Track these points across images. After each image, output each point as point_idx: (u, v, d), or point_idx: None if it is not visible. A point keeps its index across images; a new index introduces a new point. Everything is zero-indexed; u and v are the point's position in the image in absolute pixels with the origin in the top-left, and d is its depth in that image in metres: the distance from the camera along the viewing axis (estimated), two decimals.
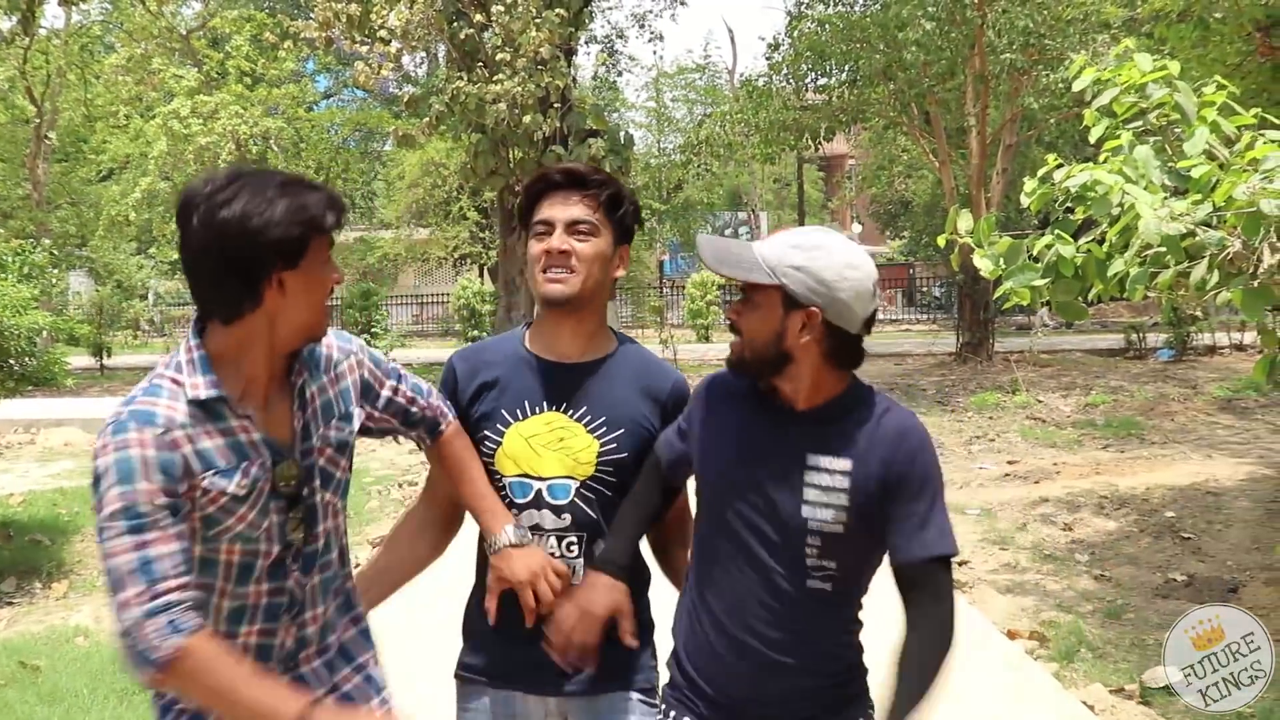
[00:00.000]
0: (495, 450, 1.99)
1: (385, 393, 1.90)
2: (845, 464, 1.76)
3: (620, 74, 34.62)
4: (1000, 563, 6.12)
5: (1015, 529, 6.81)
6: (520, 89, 12.68)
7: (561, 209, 1.97)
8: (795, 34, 16.91)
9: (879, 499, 1.74)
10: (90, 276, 25.75)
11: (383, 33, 13.41)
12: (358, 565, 2.13)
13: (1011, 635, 4.87)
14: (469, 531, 2.10)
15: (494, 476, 1.99)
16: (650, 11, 43.01)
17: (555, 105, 13.21)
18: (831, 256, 1.74)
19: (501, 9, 12.71)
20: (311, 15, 14.49)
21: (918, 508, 1.74)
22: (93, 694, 4.19)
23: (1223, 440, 9.78)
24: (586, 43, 26.42)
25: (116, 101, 21.66)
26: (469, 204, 26.52)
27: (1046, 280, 3.41)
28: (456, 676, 2.07)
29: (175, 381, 1.62)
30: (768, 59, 17.49)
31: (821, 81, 17.84)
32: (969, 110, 16.31)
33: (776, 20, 63.68)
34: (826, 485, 1.75)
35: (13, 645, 4.85)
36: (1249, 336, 16.25)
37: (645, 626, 2.04)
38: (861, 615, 1.89)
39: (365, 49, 14.13)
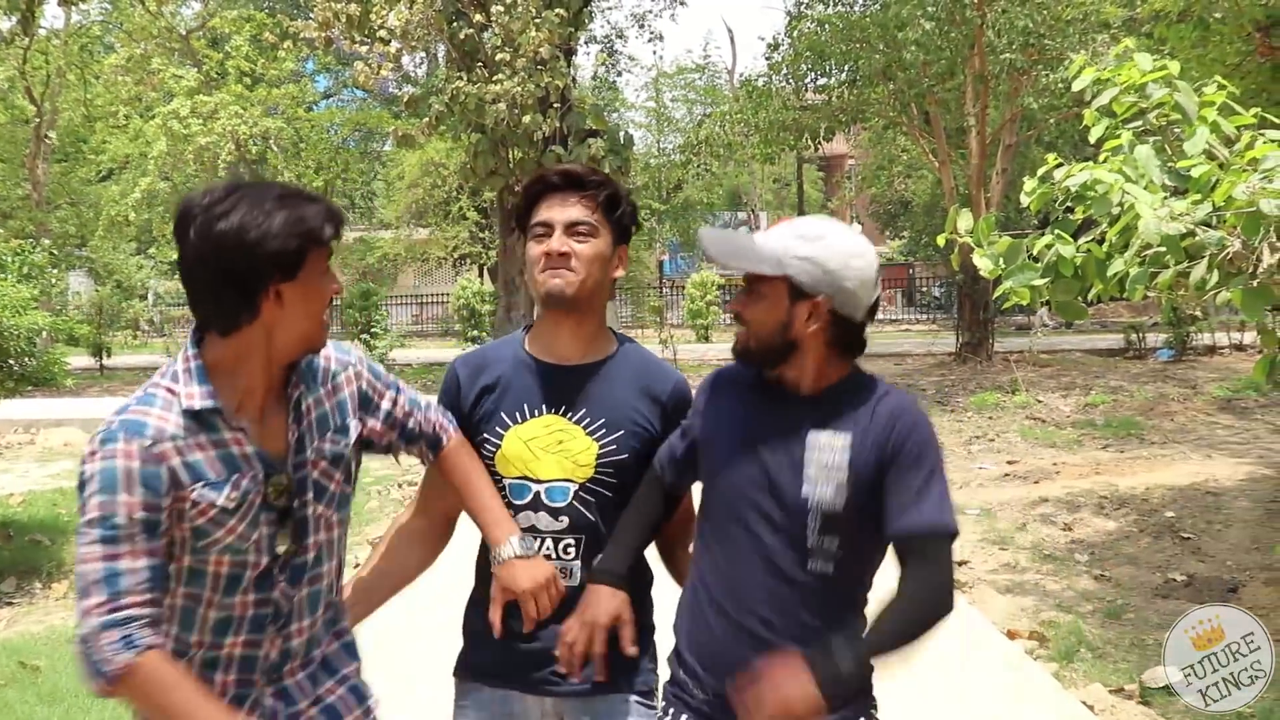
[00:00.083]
0: (495, 453, 1.99)
1: (385, 405, 1.89)
2: (845, 439, 1.77)
3: (620, 74, 34.71)
4: (1000, 563, 6.12)
5: (1015, 529, 6.81)
6: (520, 89, 12.68)
7: (560, 211, 1.97)
8: (795, 34, 16.91)
9: (877, 473, 1.75)
10: (90, 276, 25.72)
11: (382, 33, 13.42)
12: (357, 565, 2.13)
13: (1011, 635, 4.87)
14: (465, 535, 2.09)
15: (494, 478, 1.99)
16: (650, 11, 43.10)
17: (555, 105, 13.21)
18: (836, 246, 1.77)
19: (501, 9, 12.71)
20: (311, 15, 14.49)
21: (914, 480, 1.74)
22: (92, 694, 4.19)
23: (1222, 440, 9.78)
24: (586, 43, 26.45)
25: (116, 101, 21.65)
26: (469, 204, 26.52)
27: (1046, 280, 3.41)
28: (455, 675, 2.07)
29: (170, 391, 1.62)
30: (767, 59, 17.50)
31: (821, 81, 17.85)
32: (969, 110, 16.31)
33: (776, 20, 63.72)
34: (827, 462, 1.77)
35: (13, 645, 4.85)
36: (1249, 336, 16.25)
37: (645, 630, 2.04)
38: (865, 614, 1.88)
39: (365, 49, 14.13)
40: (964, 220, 3.45)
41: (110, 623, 1.52)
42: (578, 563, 1.97)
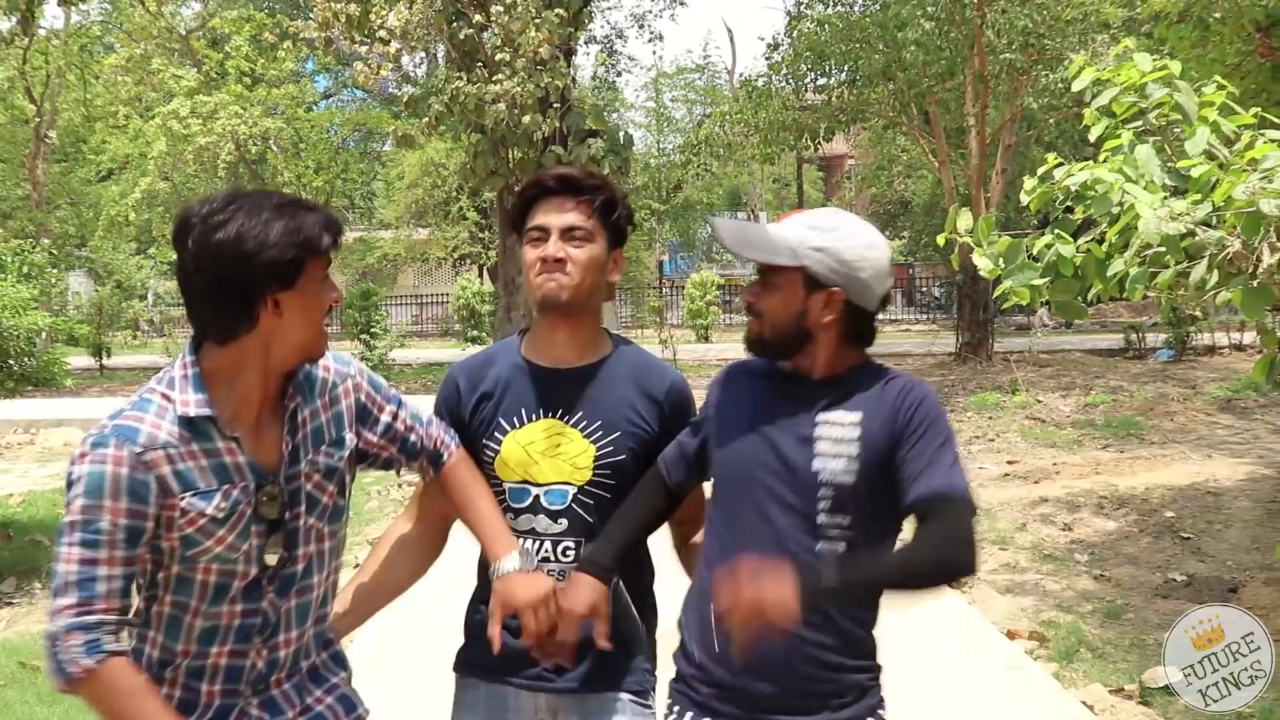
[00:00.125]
0: (495, 458, 1.99)
1: (384, 418, 1.88)
2: (856, 416, 1.79)
3: (620, 74, 34.67)
4: (1000, 563, 6.12)
5: (1015, 529, 6.81)
6: (520, 89, 12.67)
7: (556, 215, 1.97)
8: (795, 34, 16.90)
9: (889, 447, 1.76)
10: (90, 277, 25.72)
11: (382, 33, 13.40)
12: (357, 566, 2.12)
13: (1011, 635, 4.87)
14: (465, 536, 2.09)
15: (493, 483, 2.00)
16: (650, 11, 43.20)
17: (555, 105, 13.19)
18: (851, 237, 1.80)
19: (501, 9, 12.70)
20: (311, 15, 14.48)
21: (926, 448, 1.75)
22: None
23: (1222, 440, 9.78)
24: (586, 43, 26.37)
25: (116, 102, 21.63)
26: (469, 204, 26.52)
27: (1046, 280, 3.41)
28: (455, 670, 2.09)
29: (166, 397, 1.62)
30: (767, 59, 17.48)
31: (821, 82, 17.84)
32: (969, 110, 16.32)
33: (776, 20, 63.62)
34: (838, 437, 1.78)
35: (13, 645, 4.86)
36: (1249, 336, 16.25)
37: (644, 629, 2.03)
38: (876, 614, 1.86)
39: (365, 49, 14.11)
40: (964, 220, 3.44)
41: (78, 625, 1.53)
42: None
